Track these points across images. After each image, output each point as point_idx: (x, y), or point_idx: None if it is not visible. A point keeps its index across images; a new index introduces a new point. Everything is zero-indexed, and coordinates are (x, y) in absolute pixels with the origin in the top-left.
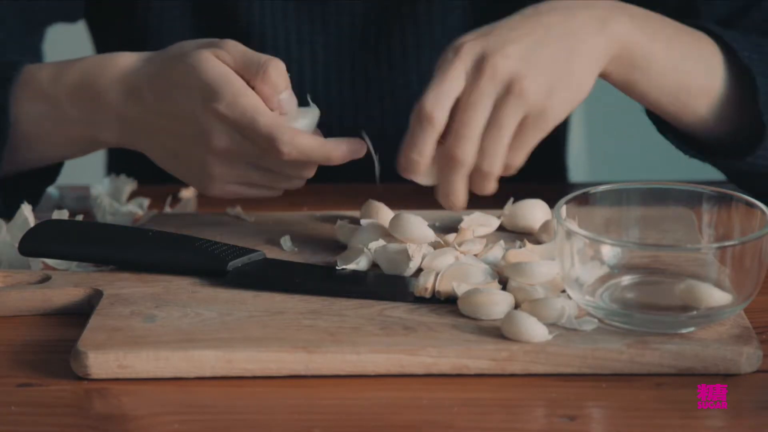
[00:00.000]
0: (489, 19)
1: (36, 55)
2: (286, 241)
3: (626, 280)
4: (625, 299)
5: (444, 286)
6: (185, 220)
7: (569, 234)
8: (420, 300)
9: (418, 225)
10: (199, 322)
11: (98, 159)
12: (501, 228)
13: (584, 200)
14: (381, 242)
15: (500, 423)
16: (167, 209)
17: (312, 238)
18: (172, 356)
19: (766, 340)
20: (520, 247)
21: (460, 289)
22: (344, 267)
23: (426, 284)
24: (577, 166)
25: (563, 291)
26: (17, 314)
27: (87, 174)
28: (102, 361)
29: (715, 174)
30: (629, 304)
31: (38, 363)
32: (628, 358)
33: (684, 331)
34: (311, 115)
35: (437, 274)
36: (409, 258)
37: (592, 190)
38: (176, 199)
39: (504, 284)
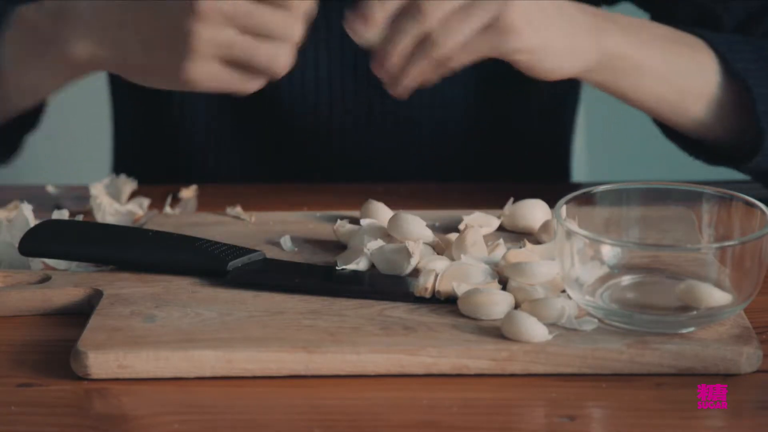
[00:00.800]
0: None
1: None
2: (286, 241)
3: (626, 280)
4: (625, 299)
5: (444, 286)
6: (185, 220)
7: (569, 234)
8: (420, 300)
9: (416, 225)
10: (199, 322)
11: (100, 159)
12: (501, 228)
13: (584, 200)
14: (379, 242)
15: (500, 423)
16: (167, 209)
17: (312, 238)
18: (172, 356)
19: (766, 340)
20: (521, 247)
21: (460, 289)
22: (344, 267)
23: (426, 284)
24: (578, 166)
25: (563, 291)
26: (17, 314)
27: (87, 174)
28: (102, 361)
29: (716, 174)
30: (629, 304)
31: (38, 363)
32: (628, 358)
33: (684, 331)
34: None
35: (437, 275)
36: (409, 255)
37: (592, 190)
38: (176, 199)
39: (504, 284)
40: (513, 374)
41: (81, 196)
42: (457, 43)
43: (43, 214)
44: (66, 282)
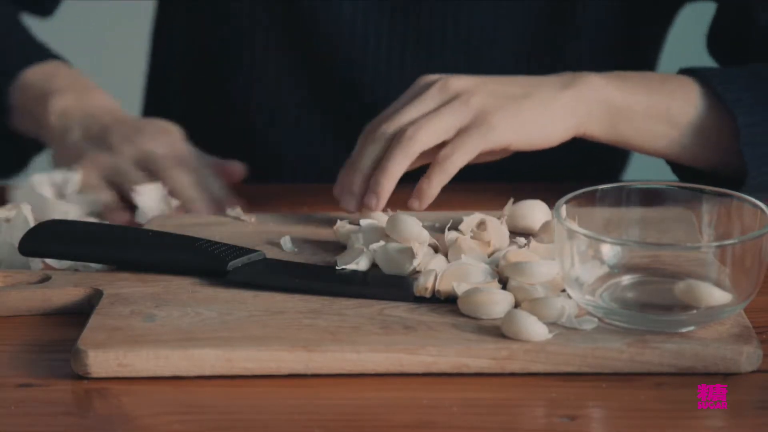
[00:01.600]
0: None
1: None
2: (286, 242)
3: (626, 279)
4: (625, 299)
5: (444, 286)
6: (185, 220)
7: (569, 234)
8: (420, 300)
9: (413, 225)
10: (199, 321)
11: None
12: None
13: (584, 200)
14: (381, 242)
15: (500, 423)
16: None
17: (312, 238)
18: (172, 355)
19: (766, 339)
20: (526, 245)
21: (460, 289)
22: (344, 267)
23: (426, 284)
24: None
25: (563, 290)
26: (17, 314)
27: None
28: (102, 360)
29: None
30: (629, 304)
31: (38, 363)
32: (628, 357)
33: (684, 330)
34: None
35: (437, 274)
36: (413, 256)
37: (592, 190)
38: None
39: (504, 284)
40: (513, 373)
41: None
42: (428, 131)
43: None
44: (66, 282)
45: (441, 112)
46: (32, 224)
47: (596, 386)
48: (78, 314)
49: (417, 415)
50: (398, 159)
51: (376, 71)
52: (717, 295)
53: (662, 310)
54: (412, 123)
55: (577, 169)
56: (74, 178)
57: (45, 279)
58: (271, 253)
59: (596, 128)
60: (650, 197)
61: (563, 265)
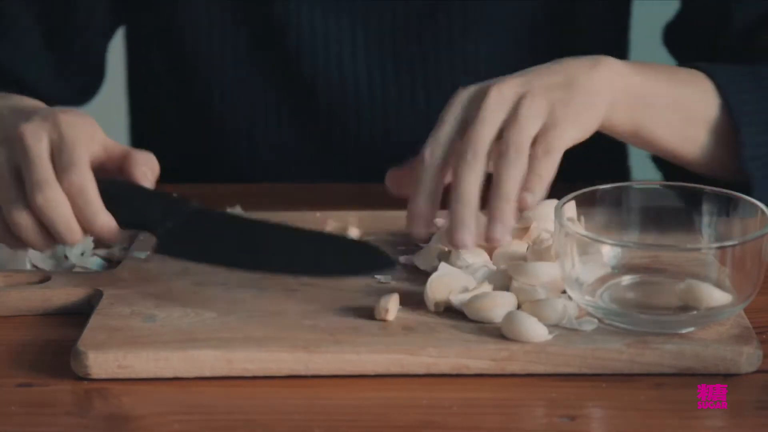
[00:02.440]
0: None
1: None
2: None
3: (626, 280)
4: (625, 299)
5: (438, 296)
6: None
7: (569, 234)
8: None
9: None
10: (199, 322)
11: None
12: None
13: (585, 200)
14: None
15: (500, 423)
16: None
17: None
18: (172, 356)
19: (766, 340)
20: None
21: (458, 299)
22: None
23: (386, 305)
24: None
25: (563, 291)
26: (17, 314)
27: None
28: (102, 361)
29: None
30: (629, 304)
31: (38, 363)
32: (628, 357)
33: (684, 331)
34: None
35: (397, 297)
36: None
37: (592, 190)
38: None
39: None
40: (513, 374)
41: None
42: (517, 180)
43: None
44: (66, 282)
45: (520, 118)
46: None
47: (596, 386)
48: (78, 314)
49: (417, 415)
50: (512, 174)
51: (345, 81)
52: (717, 296)
53: (662, 311)
54: (507, 137)
55: (577, 170)
56: None
57: (45, 279)
58: None
59: (620, 116)
60: (650, 197)
61: (563, 266)
